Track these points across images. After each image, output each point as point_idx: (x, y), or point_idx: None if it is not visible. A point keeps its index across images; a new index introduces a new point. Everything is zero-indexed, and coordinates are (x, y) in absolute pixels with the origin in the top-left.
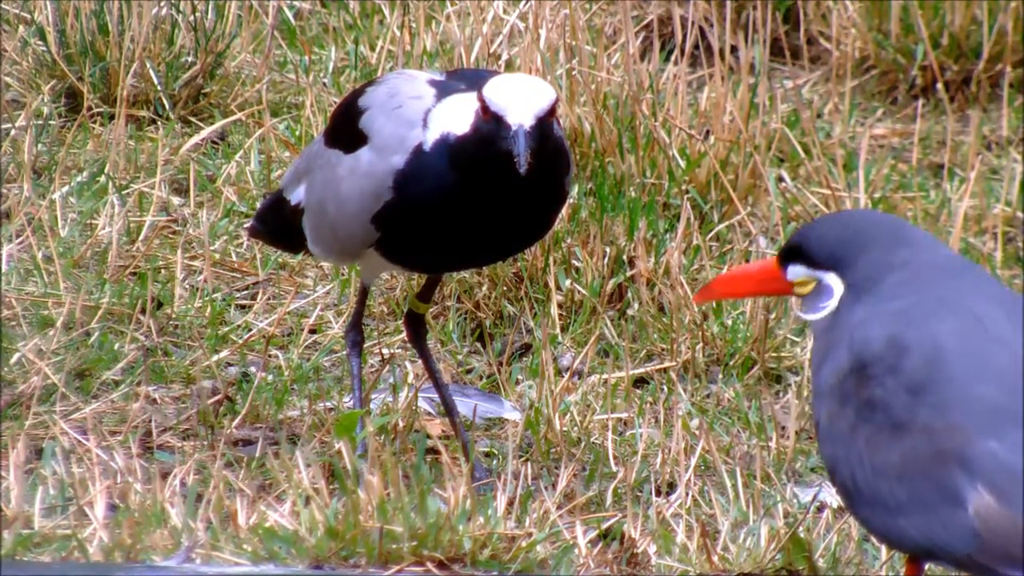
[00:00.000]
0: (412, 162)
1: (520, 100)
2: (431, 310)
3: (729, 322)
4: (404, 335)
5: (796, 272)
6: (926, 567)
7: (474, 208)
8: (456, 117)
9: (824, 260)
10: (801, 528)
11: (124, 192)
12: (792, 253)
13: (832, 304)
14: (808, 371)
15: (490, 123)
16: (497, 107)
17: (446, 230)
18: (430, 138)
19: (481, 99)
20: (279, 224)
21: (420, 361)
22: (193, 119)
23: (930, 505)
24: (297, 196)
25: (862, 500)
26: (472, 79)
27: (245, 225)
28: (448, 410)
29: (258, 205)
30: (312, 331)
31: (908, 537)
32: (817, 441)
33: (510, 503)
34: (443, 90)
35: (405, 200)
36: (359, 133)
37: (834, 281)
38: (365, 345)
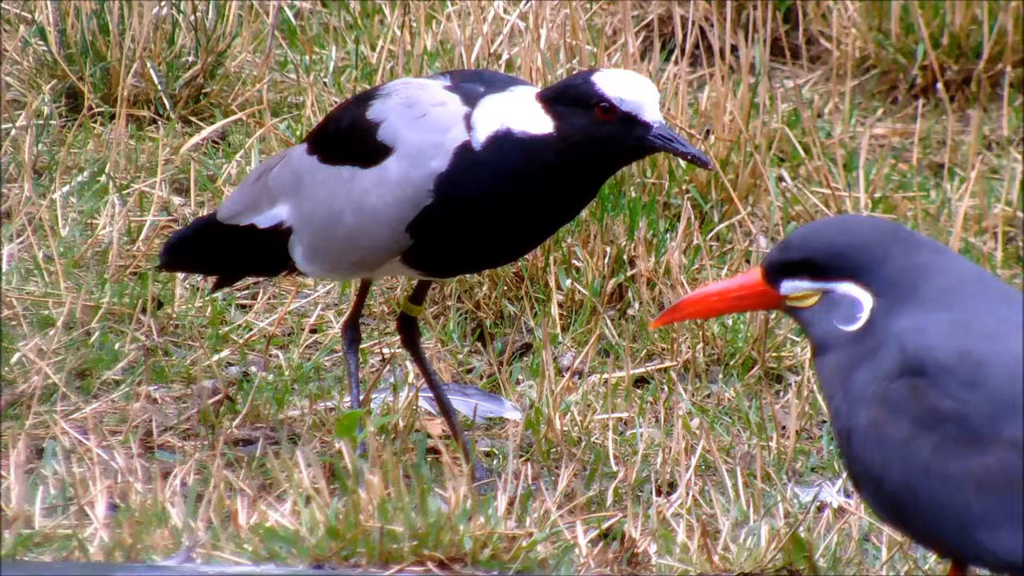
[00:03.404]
0: (456, 164)
1: (649, 96)
2: (431, 310)
3: (729, 322)
4: None
5: (795, 287)
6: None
7: (522, 204)
8: (513, 117)
9: (837, 270)
10: (801, 528)
11: (125, 192)
12: (790, 268)
13: (865, 315)
14: (808, 372)
15: (612, 124)
16: (631, 106)
17: (488, 228)
18: (480, 138)
19: (600, 97)
20: (232, 250)
21: (415, 364)
22: (194, 119)
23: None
24: (273, 218)
25: (921, 511)
26: (484, 80)
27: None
28: (445, 411)
29: (170, 237)
30: (313, 331)
31: (986, 550)
32: (850, 447)
33: (510, 503)
34: (466, 94)
35: (449, 202)
36: (379, 145)
37: (854, 291)
38: (365, 345)
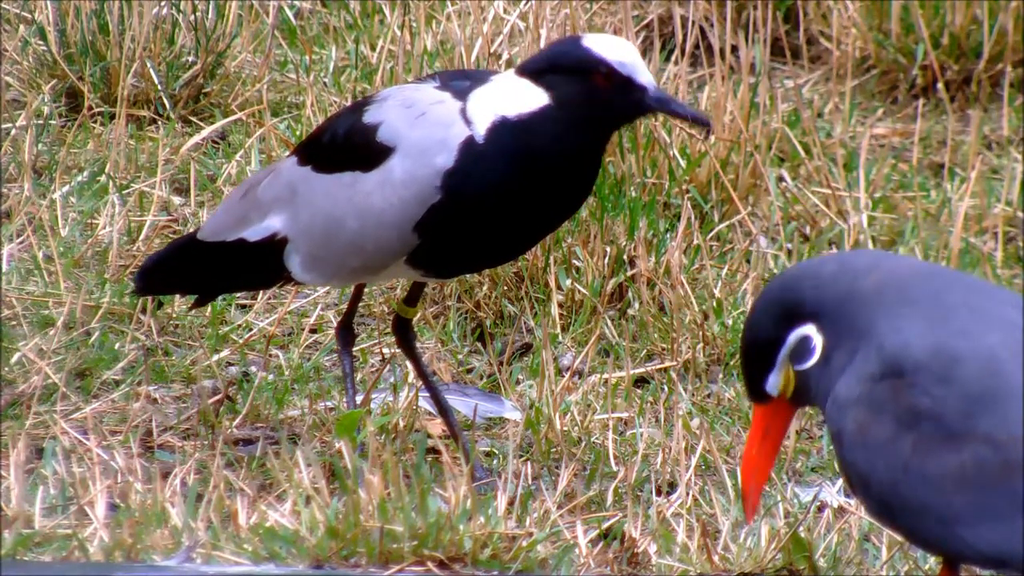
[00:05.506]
0: (463, 159)
1: (639, 60)
2: (431, 310)
3: (730, 322)
4: None
5: (773, 383)
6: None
7: (534, 188)
8: (505, 103)
9: (778, 333)
10: (802, 528)
11: (125, 192)
12: (755, 374)
13: (819, 345)
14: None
15: (611, 88)
16: (629, 69)
17: (498, 221)
18: (479, 131)
19: (599, 62)
20: (220, 266)
21: (411, 365)
22: (194, 119)
23: (1001, 516)
24: (265, 230)
25: (907, 509)
26: (469, 76)
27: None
28: (443, 412)
29: (145, 262)
30: (313, 331)
31: (968, 546)
32: (841, 450)
33: (511, 503)
34: (457, 90)
35: (457, 197)
36: (379, 147)
37: (802, 332)
38: (366, 345)
